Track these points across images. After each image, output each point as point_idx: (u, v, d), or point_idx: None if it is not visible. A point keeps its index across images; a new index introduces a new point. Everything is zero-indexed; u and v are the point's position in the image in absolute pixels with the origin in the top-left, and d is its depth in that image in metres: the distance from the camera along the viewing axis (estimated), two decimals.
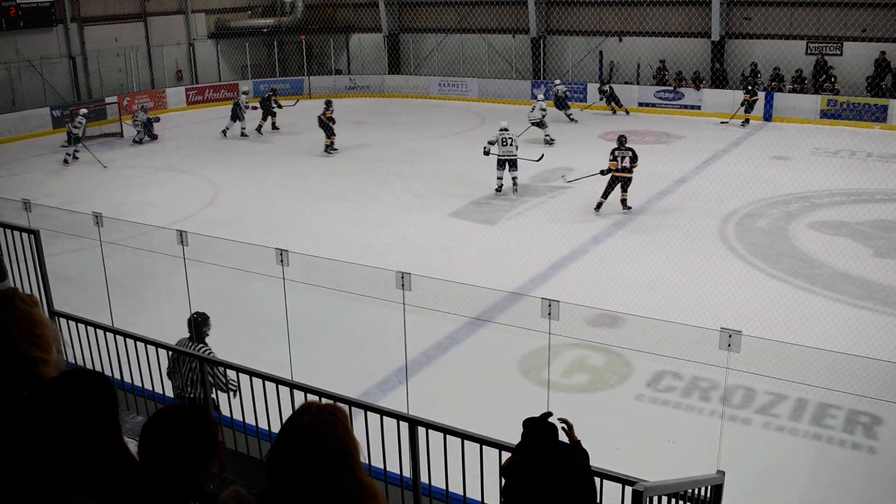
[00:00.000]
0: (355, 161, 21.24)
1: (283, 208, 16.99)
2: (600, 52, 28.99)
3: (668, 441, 8.44)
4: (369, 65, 33.63)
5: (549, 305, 6.47)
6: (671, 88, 26.92)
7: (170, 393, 7.16)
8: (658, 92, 27.21)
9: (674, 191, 17.58)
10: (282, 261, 7.87)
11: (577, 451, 2.56)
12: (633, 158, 15.85)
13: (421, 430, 5.45)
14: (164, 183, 19.76)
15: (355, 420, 5.69)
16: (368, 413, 5.64)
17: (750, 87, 24.84)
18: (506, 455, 4.81)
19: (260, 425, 6.56)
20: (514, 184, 17.49)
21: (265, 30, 33.43)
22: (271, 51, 33.40)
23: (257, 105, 25.46)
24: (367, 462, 5.71)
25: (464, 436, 5.27)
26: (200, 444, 2.42)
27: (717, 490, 5.45)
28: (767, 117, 25.04)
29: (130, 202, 17.25)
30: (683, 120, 25.55)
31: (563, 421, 3.71)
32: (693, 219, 15.13)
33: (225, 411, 6.53)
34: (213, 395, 7.24)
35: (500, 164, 17.40)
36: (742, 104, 24.61)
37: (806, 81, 25.47)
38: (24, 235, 7.22)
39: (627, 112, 26.90)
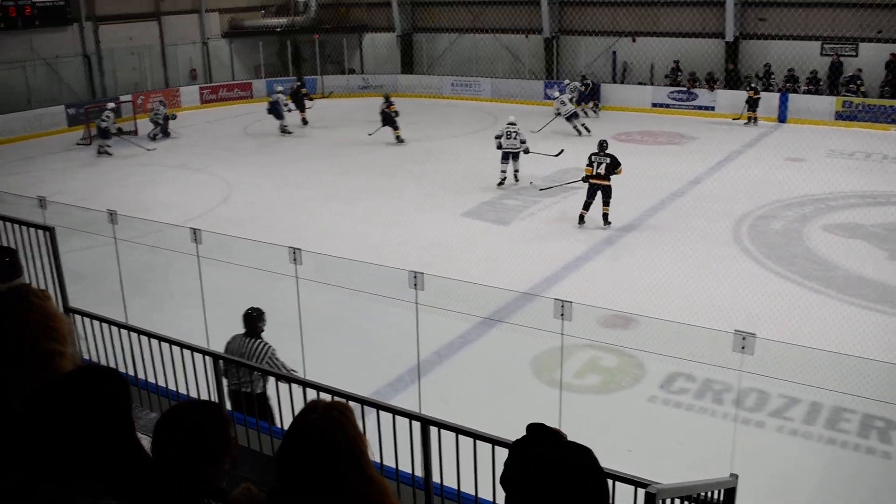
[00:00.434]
0: (368, 160, 21.26)
1: (295, 207, 17.02)
2: (613, 53, 28.94)
3: (680, 443, 8.41)
4: (382, 64, 33.66)
5: (562, 306, 6.45)
6: (685, 89, 26.84)
7: (183, 390, 7.16)
8: (672, 93, 27.13)
9: (687, 192, 17.52)
10: (295, 259, 7.88)
11: (584, 451, 2.54)
12: (612, 165, 14.85)
13: (433, 430, 5.44)
14: (177, 181, 19.84)
15: (367, 419, 5.70)
16: (381, 412, 5.63)
17: (753, 86, 24.79)
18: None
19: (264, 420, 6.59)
20: (515, 176, 18.12)
21: (279, 29, 33.52)
22: (284, 50, 33.47)
23: (288, 102, 25.80)
24: (378, 461, 5.71)
25: (476, 436, 5.25)
26: (213, 440, 2.43)
27: (730, 493, 5.41)
28: (782, 118, 24.94)
29: (144, 200, 17.31)
30: (697, 121, 25.45)
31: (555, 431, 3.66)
32: (707, 220, 15.06)
33: (285, 405, 6.49)
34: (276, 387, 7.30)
35: (504, 157, 17.99)
36: (746, 102, 24.59)
37: (821, 83, 25.35)
38: (40, 232, 7.26)
39: (596, 112, 26.71)
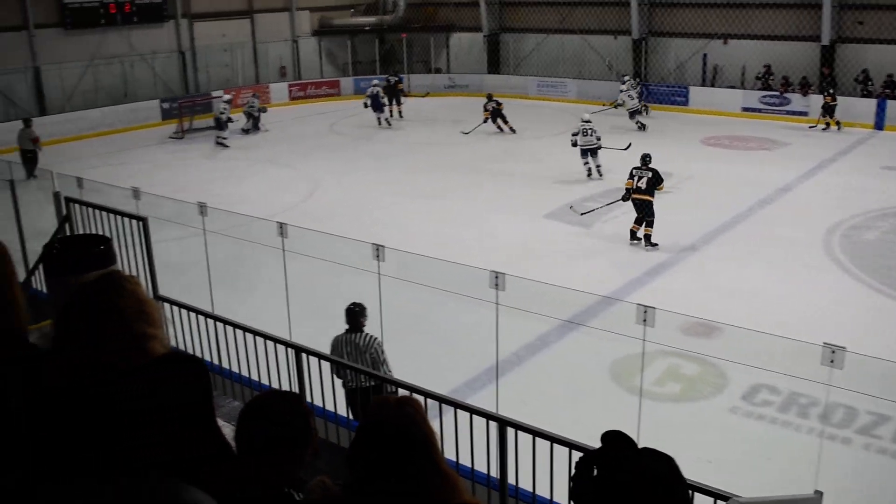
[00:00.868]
0: (451, 160, 21.33)
1: (378, 204, 17.18)
2: (704, 55, 28.37)
3: (763, 457, 8.21)
4: (468, 64, 33.71)
5: (645, 311, 6.36)
6: (777, 93, 26.13)
7: (265, 380, 7.31)
8: (763, 97, 26.42)
9: (777, 199, 17.07)
10: (378, 256, 7.95)
11: (666, 459, 2.49)
12: (654, 181, 14.04)
13: (510, 431, 5.44)
14: (265, 175, 20.25)
15: (444, 417, 5.73)
16: (458, 411, 5.65)
17: (831, 91, 24.13)
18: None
19: (341, 413, 6.67)
20: (599, 171, 18.50)
21: (367, 28, 33.89)
22: (372, 48, 33.82)
23: (384, 97, 26.67)
24: (455, 459, 5.74)
25: (553, 439, 5.24)
26: (296, 431, 2.47)
27: None
28: (879, 126, 24.06)
29: (233, 193, 17.71)
30: (789, 126, 24.76)
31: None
32: (796, 229, 14.66)
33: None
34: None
35: (583, 153, 18.52)
36: (822, 108, 23.99)
37: None
38: (133, 222, 7.50)
39: (647, 112, 26.64)
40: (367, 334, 7.61)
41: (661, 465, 2.45)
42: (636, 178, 14.18)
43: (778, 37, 26.44)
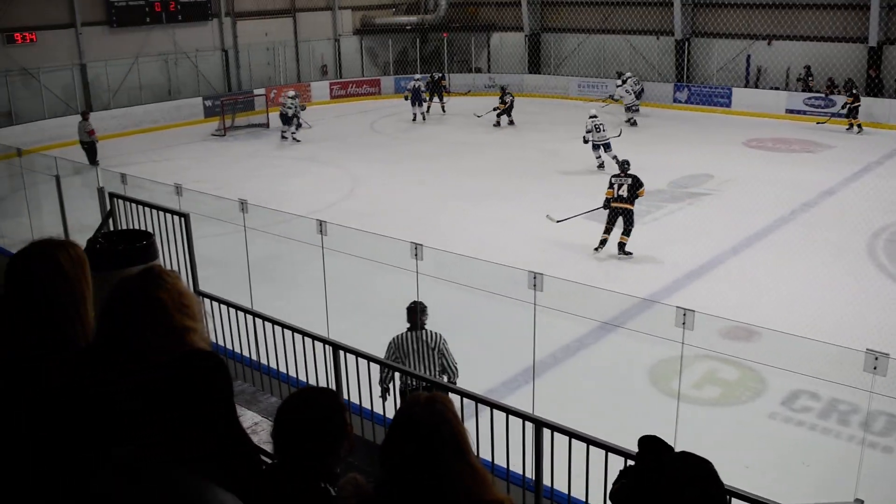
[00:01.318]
0: (490, 159, 21.32)
1: (417, 203, 17.23)
2: (748, 56, 28.04)
3: (802, 463, 8.10)
4: (509, 63, 33.65)
5: (684, 314, 6.31)
6: (822, 95, 25.72)
7: (302, 377, 7.37)
8: (808, 98, 26.03)
9: (820, 203, 16.82)
10: (416, 255, 7.97)
11: (704, 463, 2.48)
12: (634, 187, 13.67)
13: (546, 432, 5.42)
14: (305, 173, 20.39)
15: (481, 417, 5.73)
16: (494, 410, 5.65)
17: (854, 92, 23.83)
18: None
19: (377, 410, 6.70)
20: (616, 161, 18.22)
21: (408, 27, 33.98)
22: (413, 47, 33.91)
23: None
24: (489, 460, 5.74)
25: (590, 441, 5.21)
26: (333, 426, 2.49)
27: None
28: None
29: (274, 190, 17.86)
30: (834, 128, 24.37)
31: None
32: (839, 233, 14.44)
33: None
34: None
35: (595, 147, 19.45)
36: (843, 107, 23.77)
37: None
38: (175, 218, 7.59)
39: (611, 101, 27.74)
40: (432, 331, 7.64)
41: (699, 470, 2.44)
42: (616, 187, 13.82)
43: (824, 38, 26.00)
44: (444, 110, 28.43)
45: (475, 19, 34.24)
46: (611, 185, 13.99)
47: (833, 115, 24.47)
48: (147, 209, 7.86)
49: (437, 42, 33.86)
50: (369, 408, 6.81)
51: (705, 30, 28.93)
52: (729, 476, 3.94)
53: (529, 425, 5.54)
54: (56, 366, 2.30)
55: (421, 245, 8.06)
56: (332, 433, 2.49)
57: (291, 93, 25.39)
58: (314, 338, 6.98)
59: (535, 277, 7.11)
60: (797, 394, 9.15)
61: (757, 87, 27.87)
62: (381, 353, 7.31)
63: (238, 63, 30.40)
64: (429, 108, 27.98)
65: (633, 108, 26.01)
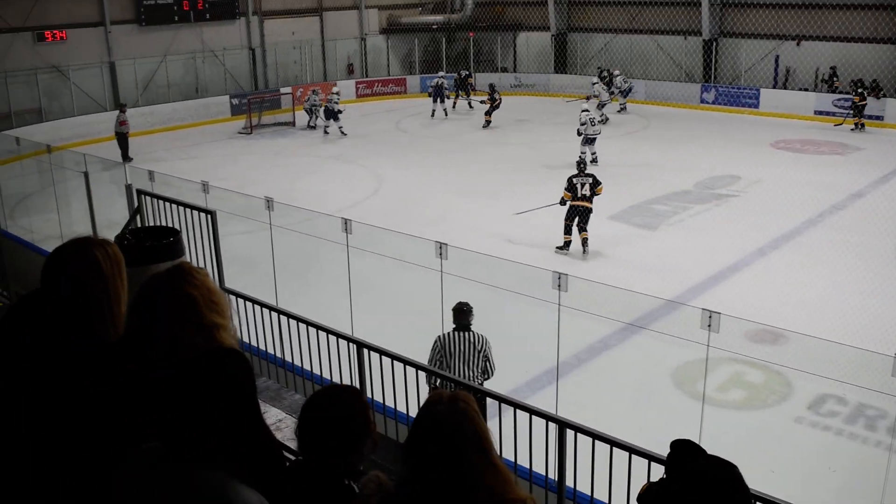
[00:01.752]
0: (514, 159, 21.28)
1: (441, 202, 17.23)
2: (776, 57, 27.80)
3: (828, 469, 8.02)
4: (535, 63, 33.59)
5: (710, 317, 6.27)
6: (850, 96, 25.41)
7: (326, 374, 7.39)
8: (837, 100, 25.72)
9: (848, 205, 16.64)
10: (440, 254, 7.97)
11: (729, 467, 2.46)
12: (594, 185, 13.84)
13: (569, 433, 5.40)
14: (331, 172, 20.46)
15: (504, 417, 5.72)
16: (517, 411, 5.64)
17: (860, 91, 23.72)
18: (656, 468, 4.70)
19: (399, 409, 6.70)
20: (595, 159, 19.49)
21: (435, 26, 34.00)
22: (439, 47, 33.93)
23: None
24: (512, 460, 5.73)
25: (613, 442, 5.19)
26: (357, 424, 2.50)
27: None
28: None
29: (299, 188, 17.94)
30: (869, 130, 24.11)
31: None
32: (868, 236, 14.26)
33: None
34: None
35: (589, 141, 19.55)
36: (851, 107, 23.66)
37: None
38: (202, 215, 7.64)
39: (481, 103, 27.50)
40: (478, 333, 7.63)
41: (725, 473, 2.42)
42: (579, 187, 13.83)
43: (854, 38, 25.69)
44: (471, 106, 28.60)
45: (501, 19, 34.20)
46: (570, 186, 13.95)
47: (846, 115, 24.51)
48: (174, 206, 7.91)
49: (464, 41, 33.86)
50: (392, 406, 6.82)
51: (733, 30, 28.71)
52: (754, 480, 3.91)
53: (553, 426, 5.52)
54: (86, 360, 2.32)
55: (446, 244, 8.07)
56: (355, 431, 2.50)
57: (336, 89, 26.06)
58: (338, 335, 6.99)
59: (559, 277, 7.10)
60: (824, 398, 9.06)
61: (785, 88, 27.62)
62: (404, 352, 7.30)
63: (265, 62, 30.57)
64: (454, 104, 28.32)
65: (606, 104, 26.25)
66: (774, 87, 27.72)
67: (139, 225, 8.13)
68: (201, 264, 7.48)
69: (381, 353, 6.55)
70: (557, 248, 13.99)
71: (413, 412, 6.52)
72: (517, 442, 5.62)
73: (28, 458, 2.25)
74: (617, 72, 28.47)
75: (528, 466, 5.86)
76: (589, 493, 5.67)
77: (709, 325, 6.31)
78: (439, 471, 2.17)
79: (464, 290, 9.02)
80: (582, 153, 19.40)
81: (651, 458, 4.87)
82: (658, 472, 3.77)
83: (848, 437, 8.46)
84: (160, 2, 27.28)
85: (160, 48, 27.33)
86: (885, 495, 5.81)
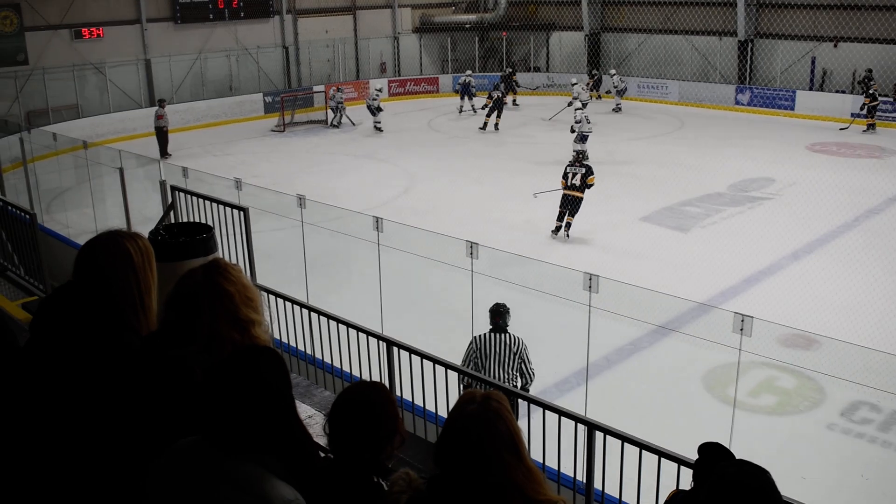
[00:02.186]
0: (545, 159, 21.18)
1: (472, 201, 17.22)
2: (812, 59, 27.45)
3: (861, 476, 7.91)
4: (568, 63, 33.46)
5: (742, 320, 6.21)
6: (890, 100, 25.03)
7: (356, 372, 7.42)
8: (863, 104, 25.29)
9: (885, 210, 16.40)
10: (471, 253, 7.97)
11: (761, 472, 2.43)
12: (586, 176, 14.67)
13: (598, 435, 5.37)
14: (362, 170, 20.53)
15: (532, 418, 5.71)
16: (546, 411, 5.62)
17: (871, 92, 23.46)
18: (686, 472, 4.66)
19: (428, 407, 6.71)
20: (586, 157, 19.54)
21: (468, 25, 33.99)
22: (472, 46, 33.91)
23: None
24: (540, 461, 5.71)
25: (642, 445, 5.15)
26: (386, 420, 2.51)
27: None
28: None
29: (331, 186, 18.02)
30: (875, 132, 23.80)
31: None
32: None
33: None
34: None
35: (582, 138, 19.43)
36: (862, 108, 23.46)
37: None
38: (235, 212, 7.70)
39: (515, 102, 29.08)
40: (514, 335, 7.61)
41: (756, 479, 2.39)
42: (571, 176, 14.77)
43: (893, 40, 25.31)
44: (515, 103, 28.89)
45: (534, 18, 34.11)
46: (564, 174, 14.89)
47: (855, 115, 24.42)
48: (207, 202, 7.98)
49: (497, 41, 33.81)
50: (421, 405, 6.83)
51: (769, 31, 28.39)
52: (784, 486, 3.87)
53: (581, 427, 5.50)
54: (123, 353, 2.35)
55: (476, 244, 8.06)
56: (384, 427, 2.52)
57: (378, 85, 26.49)
58: (368, 333, 7.01)
59: (590, 279, 7.07)
60: (857, 405, 8.94)
61: (822, 90, 27.26)
62: (434, 351, 7.31)
63: (298, 60, 30.74)
64: (513, 100, 29.00)
65: (587, 104, 25.91)
66: (811, 89, 27.37)
67: (173, 221, 8.21)
68: (233, 261, 7.53)
69: (411, 351, 6.56)
70: (552, 231, 14.85)
71: (441, 411, 6.54)
72: (546, 443, 5.60)
73: (66, 449, 2.28)
74: (613, 71, 28.89)
75: (556, 468, 5.85)
76: (617, 496, 5.64)
77: (741, 329, 6.25)
78: (471, 470, 2.17)
79: (494, 289, 9.02)
80: (575, 151, 19.38)
81: (681, 462, 4.83)
82: (688, 476, 3.74)
83: (881, 445, 8.35)
84: (196, 0, 27.54)
85: (195, 46, 27.60)
86: None
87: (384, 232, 9.01)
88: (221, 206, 7.79)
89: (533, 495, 2.20)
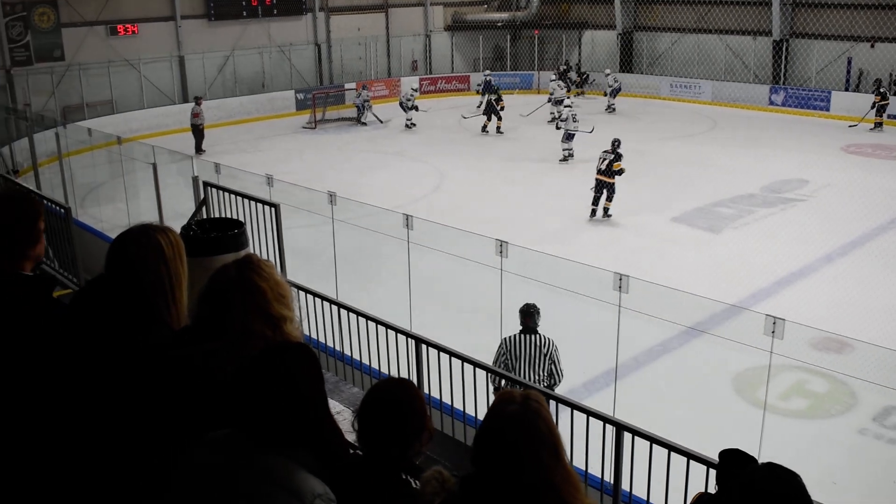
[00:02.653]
0: (577, 159, 21.11)
1: (503, 200, 17.20)
2: (849, 59, 27.08)
3: (893, 482, 7.81)
4: (601, 62, 33.27)
5: (774, 323, 6.15)
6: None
7: (384, 369, 7.45)
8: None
9: None
10: (501, 252, 7.97)
11: (792, 476, 2.40)
12: (612, 162, 15.43)
13: (626, 436, 5.35)
14: (393, 167, 20.58)
15: (560, 417, 5.70)
16: (574, 412, 5.61)
17: (882, 90, 23.25)
18: (714, 474, 4.63)
19: (456, 405, 6.71)
20: (571, 154, 20.16)
21: (500, 24, 33.94)
22: (504, 44, 33.85)
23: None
24: (568, 459, 5.70)
25: (671, 447, 5.12)
26: (414, 417, 2.51)
27: None
28: None
29: (362, 184, 18.06)
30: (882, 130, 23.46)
31: None
32: None
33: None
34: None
35: (569, 136, 19.91)
36: (872, 107, 23.35)
37: None
38: (266, 208, 7.75)
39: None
40: (544, 336, 7.60)
41: (786, 483, 2.37)
42: (600, 161, 15.70)
43: None
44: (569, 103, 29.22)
45: (567, 17, 33.98)
46: (599, 160, 15.81)
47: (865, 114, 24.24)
48: (239, 199, 8.04)
49: (529, 39, 33.72)
50: (449, 402, 6.84)
51: (805, 30, 28.05)
52: (814, 491, 3.83)
53: (610, 428, 5.48)
54: (156, 346, 2.38)
55: (506, 242, 8.06)
56: (411, 424, 2.52)
57: (415, 84, 26.74)
58: (397, 330, 7.03)
59: (620, 279, 7.04)
60: (889, 410, 8.83)
61: (858, 90, 26.89)
62: (462, 349, 7.32)
63: (330, 57, 30.88)
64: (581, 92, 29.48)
65: (563, 101, 25.26)
66: (846, 90, 27.01)
67: (205, 216, 8.28)
68: (264, 256, 7.59)
69: (439, 349, 6.57)
70: (590, 215, 15.74)
71: (469, 409, 6.55)
72: (573, 443, 5.58)
73: (98, 440, 2.31)
74: (608, 70, 28.87)
75: (583, 468, 5.83)
76: (645, 498, 5.62)
77: (772, 332, 6.19)
78: (510, 470, 2.16)
79: (523, 288, 9.01)
80: (565, 150, 20.01)
81: (710, 464, 4.80)
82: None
83: None
84: None
85: (228, 43, 27.82)
86: None
87: (414, 230, 9.03)
88: (253, 203, 7.84)
89: (569, 500, 2.18)
